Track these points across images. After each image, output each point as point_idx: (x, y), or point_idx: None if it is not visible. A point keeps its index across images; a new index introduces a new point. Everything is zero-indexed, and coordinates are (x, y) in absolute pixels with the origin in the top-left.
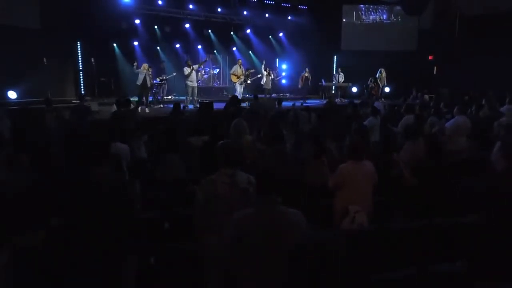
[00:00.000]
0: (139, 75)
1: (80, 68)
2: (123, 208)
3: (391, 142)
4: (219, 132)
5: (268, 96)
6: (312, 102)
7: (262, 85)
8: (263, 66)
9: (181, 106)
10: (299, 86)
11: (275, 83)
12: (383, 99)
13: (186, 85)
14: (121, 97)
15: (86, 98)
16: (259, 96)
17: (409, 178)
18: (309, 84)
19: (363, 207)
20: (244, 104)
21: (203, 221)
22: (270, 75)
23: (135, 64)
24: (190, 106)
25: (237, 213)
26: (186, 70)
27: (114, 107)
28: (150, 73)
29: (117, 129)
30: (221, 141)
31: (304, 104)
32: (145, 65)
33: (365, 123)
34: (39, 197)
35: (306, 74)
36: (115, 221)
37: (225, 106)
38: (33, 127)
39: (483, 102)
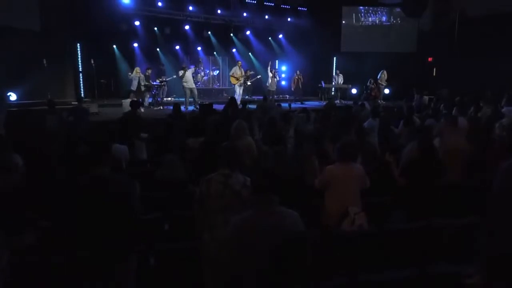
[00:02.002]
0: (133, 81)
1: (80, 70)
2: (123, 209)
3: (388, 143)
4: (218, 133)
5: (271, 97)
6: (311, 103)
7: (266, 86)
8: (269, 68)
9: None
10: (292, 89)
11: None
12: (382, 101)
13: (183, 87)
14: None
15: (85, 99)
16: (258, 98)
17: (398, 178)
18: (301, 86)
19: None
20: (252, 106)
21: (200, 219)
22: (275, 77)
23: (130, 73)
24: (191, 108)
25: (236, 216)
26: (180, 72)
27: (128, 107)
28: (141, 76)
29: (120, 130)
30: (225, 143)
31: (301, 106)
32: (137, 69)
33: (364, 124)
34: (36, 199)
35: (297, 77)
36: (116, 222)
37: (224, 108)
38: (33, 128)
39: (481, 103)
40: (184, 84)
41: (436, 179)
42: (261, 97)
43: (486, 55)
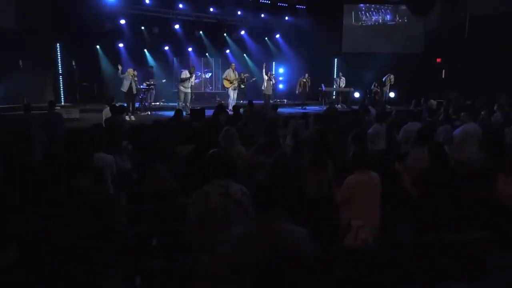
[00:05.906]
0: (124, 81)
1: (60, 72)
2: (106, 223)
3: (393, 150)
4: (207, 140)
5: (267, 102)
6: (311, 108)
7: (262, 90)
8: (264, 70)
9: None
10: (297, 92)
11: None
12: (388, 106)
13: (179, 90)
14: (116, 102)
15: (66, 104)
16: (255, 102)
17: (411, 188)
18: (307, 89)
19: (371, 220)
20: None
21: (197, 238)
22: (271, 80)
23: (120, 68)
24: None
25: (236, 231)
26: (185, 74)
27: (107, 113)
28: (135, 79)
29: (105, 138)
30: (212, 150)
31: (302, 111)
32: (130, 70)
33: (369, 131)
34: (12, 213)
35: (305, 79)
36: (98, 238)
37: (213, 114)
38: (8, 135)
39: (495, 107)
40: (182, 88)
41: (451, 190)
42: (261, 101)
43: (499, 55)
